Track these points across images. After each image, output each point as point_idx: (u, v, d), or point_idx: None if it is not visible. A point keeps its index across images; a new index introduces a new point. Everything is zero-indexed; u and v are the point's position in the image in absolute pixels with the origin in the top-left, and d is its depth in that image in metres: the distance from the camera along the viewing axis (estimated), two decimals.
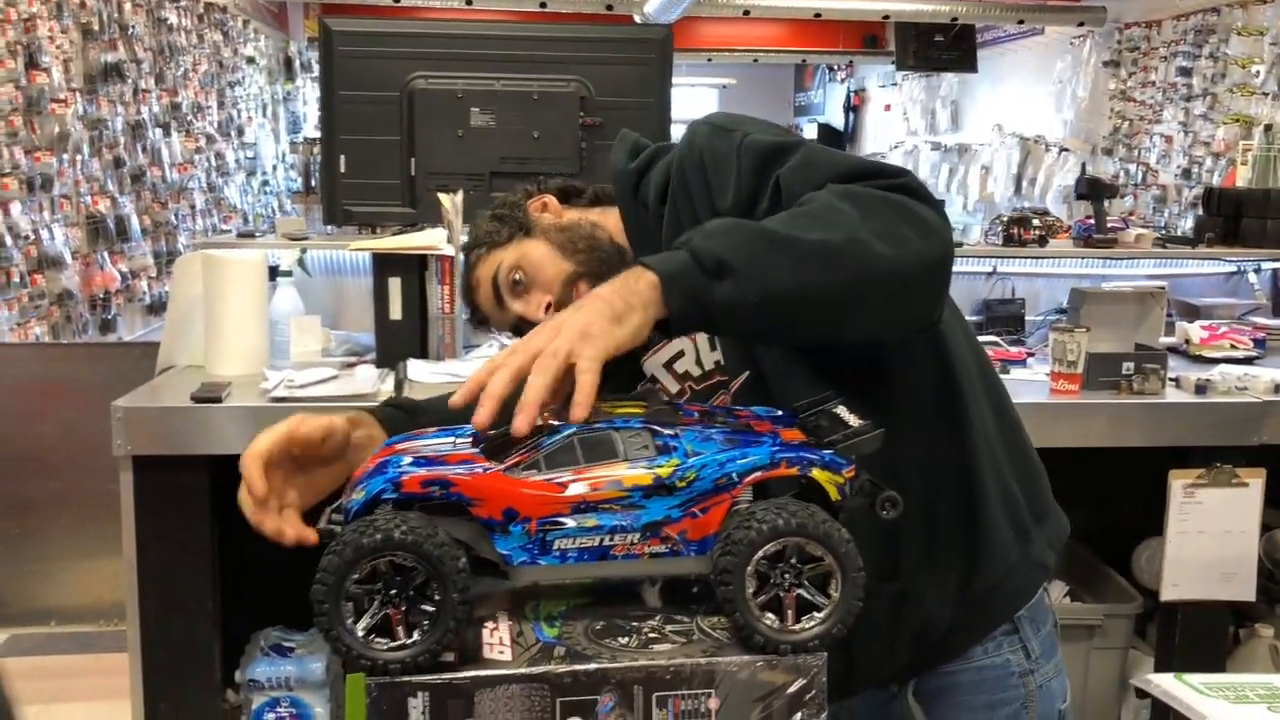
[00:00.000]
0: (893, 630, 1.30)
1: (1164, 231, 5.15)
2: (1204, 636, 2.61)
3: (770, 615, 0.89)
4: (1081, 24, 8.23)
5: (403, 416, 1.33)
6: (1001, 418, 1.38)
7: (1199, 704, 1.13)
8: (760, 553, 0.88)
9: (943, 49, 9.05)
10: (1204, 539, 2.55)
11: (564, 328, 0.97)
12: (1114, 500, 2.91)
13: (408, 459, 0.94)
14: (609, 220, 1.44)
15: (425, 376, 2.44)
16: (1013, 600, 1.35)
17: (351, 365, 2.58)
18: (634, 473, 0.90)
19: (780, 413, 1.04)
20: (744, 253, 1.03)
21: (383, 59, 2.96)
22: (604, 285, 1.03)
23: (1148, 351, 2.60)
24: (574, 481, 0.90)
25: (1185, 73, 7.19)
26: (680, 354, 1.39)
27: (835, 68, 13.04)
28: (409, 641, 0.86)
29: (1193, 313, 3.30)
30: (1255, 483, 2.53)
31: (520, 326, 1.45)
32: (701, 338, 1.37)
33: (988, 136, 9.70)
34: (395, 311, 2.63)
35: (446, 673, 0.86)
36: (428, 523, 0.87)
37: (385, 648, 0.86)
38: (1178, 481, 2.51)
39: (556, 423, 0.93)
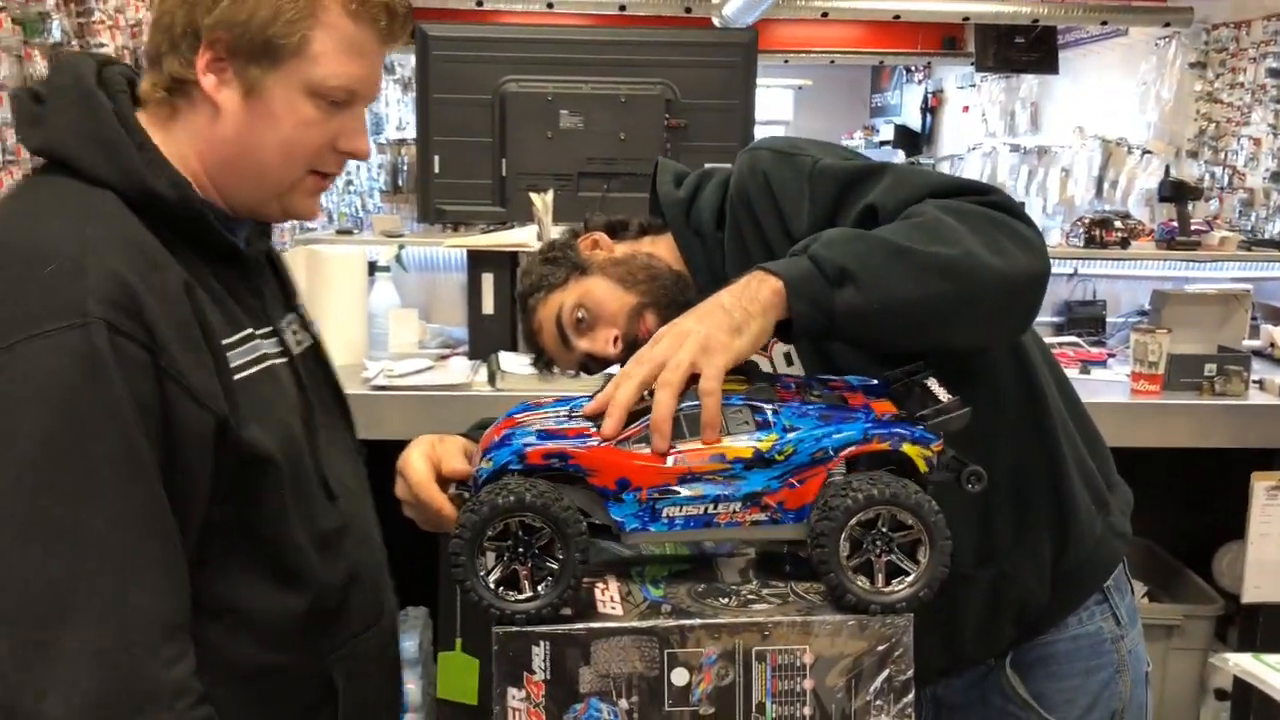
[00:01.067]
0: (993, 611, 1.37)
1: (1250, 234, 5.08)
2: None
3: (862, 578, 0.97)
4: (1167, 24, 8.11)
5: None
6: (1065, 394, 1.45)
7: (1277, 681, 1.17)
8: (855, 519, 0.96)
9: (1023, 50, 8.97)
10: None
11: (687, 340, 1.04)
12: (1196, 503, 2.92)
13: (530, 432, 1.02)
14: (661, 249, 1.45)
15: (516, 368, 2.54)
16: (1101, 570, 1.42)
17: (445, 356, 2.70)
18: (736, 445, 0.98)
19: (874, 383, 1.12)
20: (866, 261, 1.10)
21: (476, 63, 3.07)
22: (723, 293, 1.10)
23: (1230, 353, 2.61)
24: (681, 453, 0.98)
25: (1275, 74, 7.04)
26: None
27: (913, 69, 12.96)
28: (534, 595, 0.95)
29: (1278, 316, 3.28)
30: None
31: (589, 365, 1.46)
32: (777, 353, 1.42)
33: (1068, 139, 9.58)
34: (487, 306, 2.73)
35: (564, 624, 0.95)
36: (554, 489, 0.96)
37: (514, 599, 0.95)
38: (1261, 484, 2.52)
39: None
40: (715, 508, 0.98)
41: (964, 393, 1.26)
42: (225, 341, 1.07)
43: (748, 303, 1.08)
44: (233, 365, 1.07)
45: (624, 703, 0.95)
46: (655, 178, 1.49)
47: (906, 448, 1.00)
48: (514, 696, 0.95)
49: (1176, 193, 3.36)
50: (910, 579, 0.97)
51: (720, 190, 1.40)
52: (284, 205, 1.16)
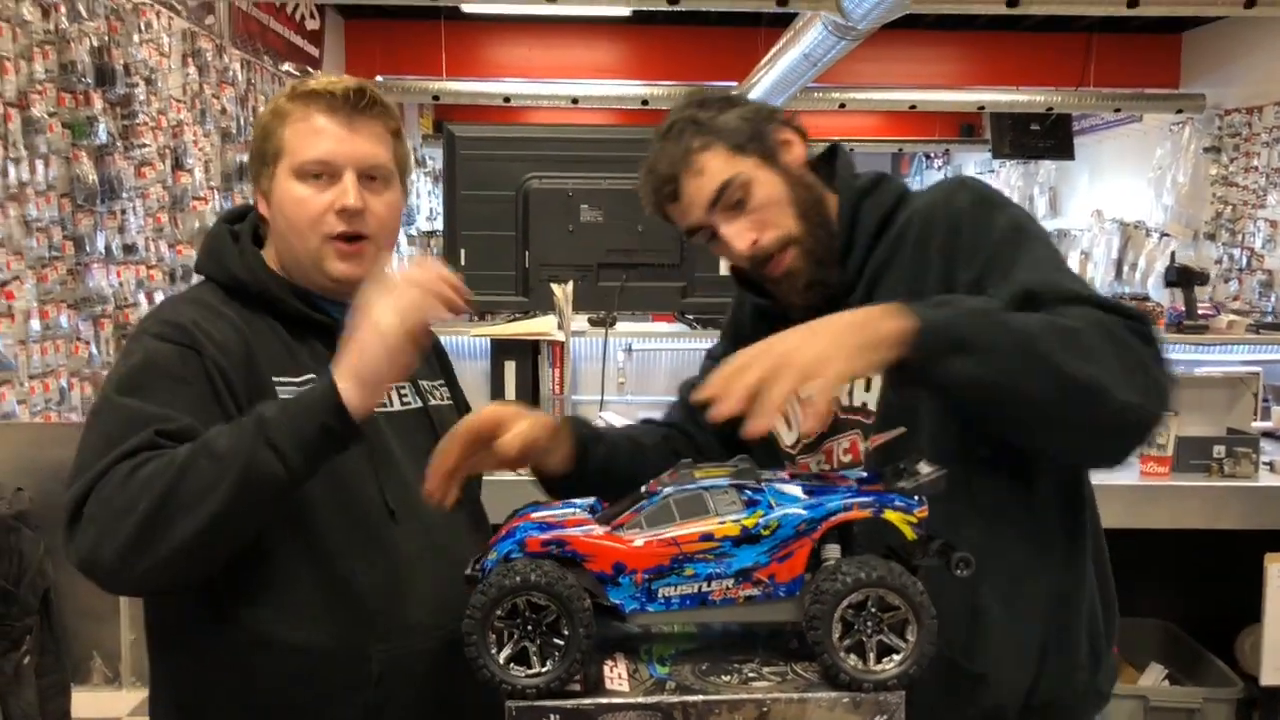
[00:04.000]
0: (962, 710, 1.35)
1: (1270, 316, 5.12)
2: None
3: (854, 657, 1.02)
4: (1179, 111, 8.26)
5: (589, 435, 1.46)
6: (1098, 541, 1.45)
7: None
8: (845, 602, 1.02)
9: (1039, 137, 9.13)
10: None
11: (810, 345, 1.11)
12: (1212, 584, 2.93)
13: (533, 525, 1.10)
14: (830, 204, 1.42)
15: None
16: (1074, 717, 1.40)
17: None
18: (723, 525, 1.05)
19: (865, 474, 1.18)
20: (998, 341, 1.15)
21: (500, 161, 3.20)
22: (855, 314, 1.16)
23: (1239, 435, 2.65)
24: (672, 535, 1.05)
25: None
26: None
27: (931, 155, 13.18)
28: (543, 670, 1.02)
29: None
30: None
31: (695, 232, 1.41)
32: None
33: (1087, 222, 9.69)
34: (510, 392, 2.83)
35: (574, 699, 1.01)
36: (558, 568, 1.02)
37: (523, 674, 1.01)
38: (1275, 565, 2.54)
39: (656, 487, 1.09)
40: (709, 585, 1.05)
41: (1012, 483, 1.32)
42: (278, 378, 1.37)
43: (874, 334, 1.13)
44: (281, 391, 1.36)
45: None
46: (837, 159, 1.46)
47: (889, 514, 1.06)
48: None
49: (1182, 277, 3.44)
50: (900, 657, 1.02)
51: (894, 198, 1.41)
52: (324, 273, 1.44)
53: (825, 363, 1.10)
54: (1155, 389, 1.18)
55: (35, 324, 3.76)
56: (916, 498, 1.07)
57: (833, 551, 1.06)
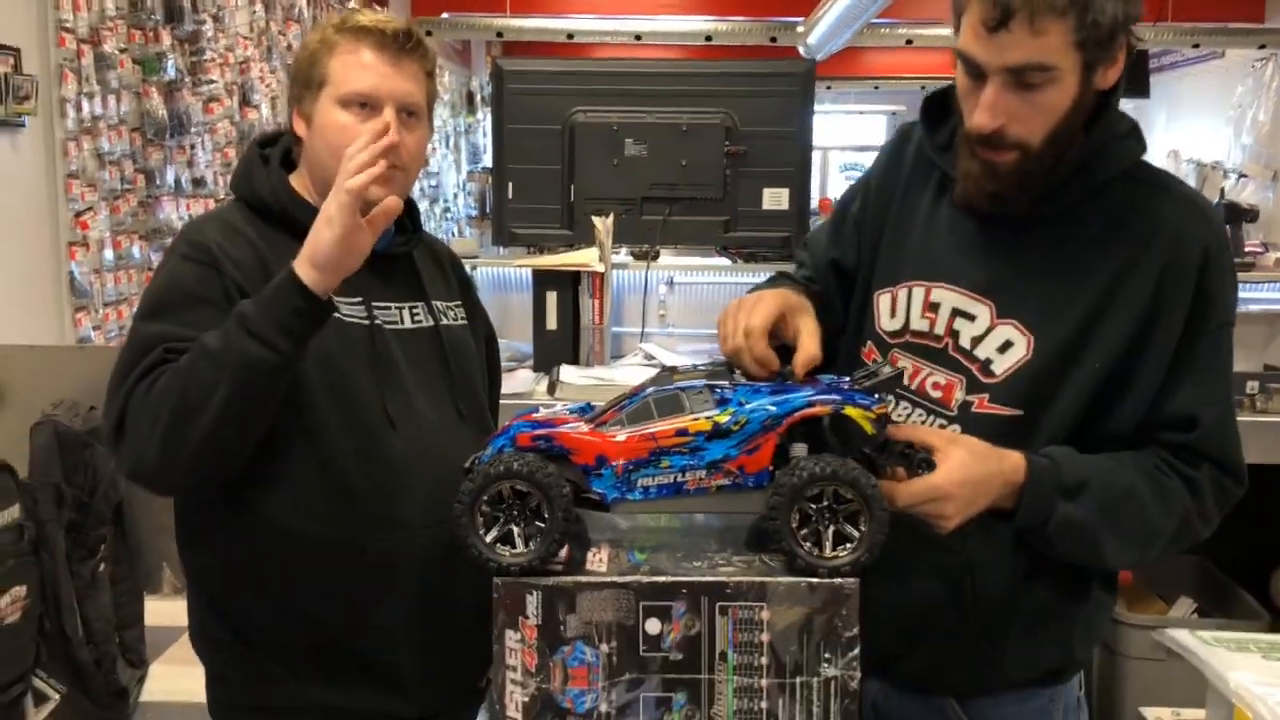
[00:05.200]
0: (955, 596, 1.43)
1: None
2: None
3: (810, 545, 1.11)
4: (1263, 46, 7.98)
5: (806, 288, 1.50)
6: None
7: (1200, 649, 1.27)
8: (803, 494, 1.10)
9: None
10: None
11: (955, 507, 1.25)
12: (1248, 522, 2.93)
13: (525, 424, 1.19)
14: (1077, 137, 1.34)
15: (575, 380, 2.72)
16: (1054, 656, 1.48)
17: (513, 369, 2.89)
18: (696, 421, 1.14)
19: (834, 378, 1.26)
20: (1071, 548, 1.34)
21: (547, 95, 3.27)
22: (995, 475, 1.28)
23: (1274, 372, 2.65)
24: (650, 430, 1.14)
25: None
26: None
27: None
28: (526, 549, 1.12)
29: None
30: None
31: (965, 55, 1.29)
32: None
33: (1163, 162, 9.45)
34: (551, 322, 2.93)
35: (554, 577, 1.11)
36: (539, 459, 1.12)
37: (508, 553, 1.12)
38: None
39: (638, 389, 1.17)
40: (683, 476, 1.14)
41: None
42: None
43: (999, 486, 1.29)
44: None
45: (605, 647, 1.10)
46: (1111, 108, 1.36)
47: (849, 410, 1.15)
48: (511, 638, 1.11)
49: (1230, 215, 3.40)
50: (852, 545, 1.11)
51: (1114, 168, 1.35)
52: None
53: (946, 522, 1.26)
54: (1204, 530, 1.40)
55: (109, 254, 3.94)
56: (875, 395, 1.15)
57: (800, 450, 1.15)
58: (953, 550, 1.36)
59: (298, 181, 1.60)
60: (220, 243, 1.50)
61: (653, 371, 2.75)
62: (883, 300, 1.45)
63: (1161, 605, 3.03)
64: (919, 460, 1.16)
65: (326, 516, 1.50)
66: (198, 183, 4.51)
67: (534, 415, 1.23)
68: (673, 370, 1.19)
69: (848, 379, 1.24)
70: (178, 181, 4.35)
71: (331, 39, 1.54)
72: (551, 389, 2.70)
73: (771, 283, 1.55)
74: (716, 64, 3.39)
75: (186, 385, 1.36)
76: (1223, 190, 5.77)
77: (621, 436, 1.14)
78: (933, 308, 1.40)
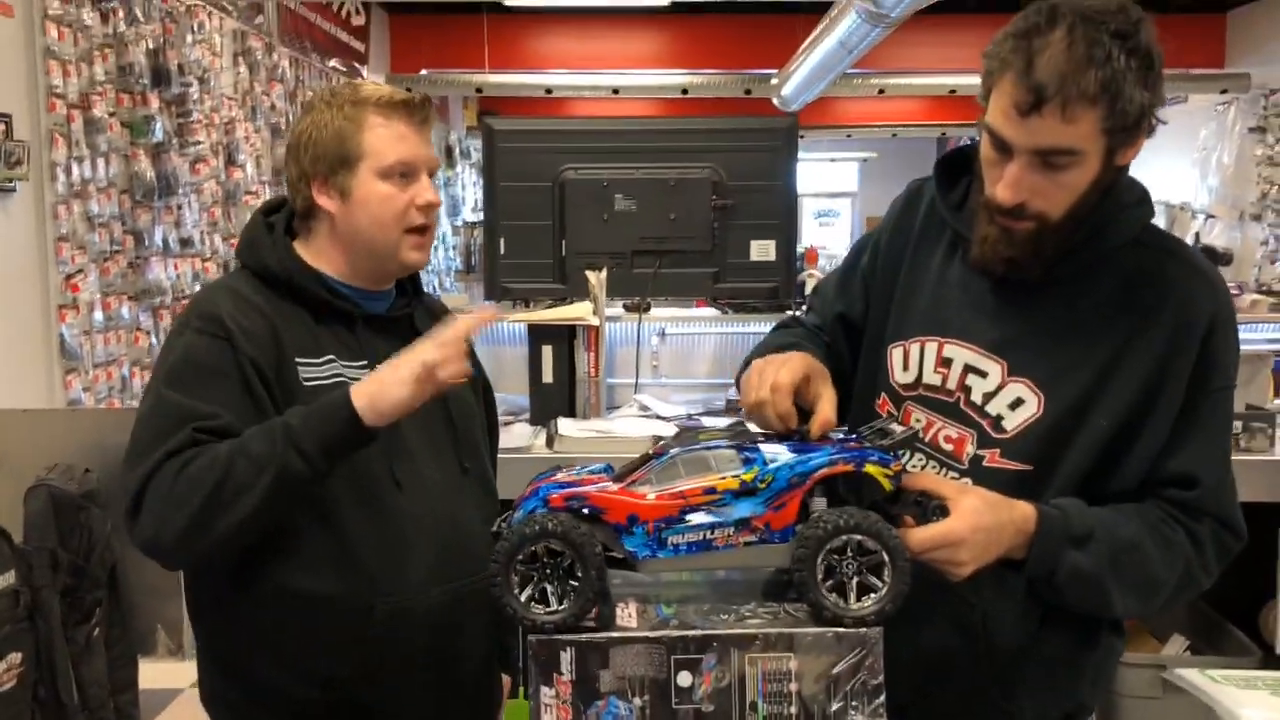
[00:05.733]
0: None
1: None
2: None
3: (836, 596, 1.14)
4: (1224, 91, 8.20)
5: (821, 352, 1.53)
6: None
7: (1210, 688, 1.31)
8: (827, 546, 1.14)
9: None
10: None
11: (970, 553, 1.27)
12: (1238, 561, 2.98)
13: (554, 485, 1.22)
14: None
15: (573, 432, 2.74)
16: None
17: (509, 423, 2.91)
18: (724, 479, 1.17)
19: (845, 434, 1.30)
20: (1082, 598, 1.37)
21: (537, 153, 3.32)
22: (1007, 524, 1.30)
23: (1256, 411, 2.71)
24: (679, 489, 1.18)
25: None
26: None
27: (975, 140, 13.11)
28: (560, 608, 1.15)
29: None
30: None
31: (994, 133, 1.33)
32: None
33: None
34: (547, 375, 2.96)
35: (587, 634, 1.14)
36: (573, 519, 1.15)
37: (542, 612, 1.14)
38: None
39: (663, 449, 1.21)
40: (712, 533, 1.17)
41: None
42: (301, 359, 1.55)
43: (1010, 535, 1.31)
44: (302, 372, 1.54)
45: (638, 700, 1.13)
46: (1122, 178, 1.39)
47: (869, 468, 1.19)
48: (546, 695, 1.13)
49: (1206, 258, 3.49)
50: (877, 595, 1.14)
51: (1125, 235, 1.39)
52: (399, 261, 1.62)
53: (961, 570, 1.28)
54: (1206, 582, 1.42)
55: (99, 315, 3.96)
56: (892, 453, 1.19)
57: (819, 504, 1.18)
58: (966, 600, 1.39)
59: (306, 249, 1.64)
60: (233, 314, 1.53)
61: (649, 423, 2.80)
62: (895, 354, 1.50)
63: (1155, 643, 3.07)
64: (933, 508, 1.20)
65: (335, 578, 1.52)
66: (185, 242, 4.54)
67: (557, 476, 1.27)
68: (697, 430, 1.23)
69: (855, 437, 1.28)
70: (166, 242, 4.38)
71: (358, 115, 1.58)
72: (550, 442, 2.73)
73: (785, 330, 1.61)
74: (703, 120, 3.46)
75: (223, 480, 1.40)
76: (1197, 235, 5.88)
77: (651, 496, 1.18)
78: (945, 363, 1.44)
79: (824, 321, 1.62)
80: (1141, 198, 1.44)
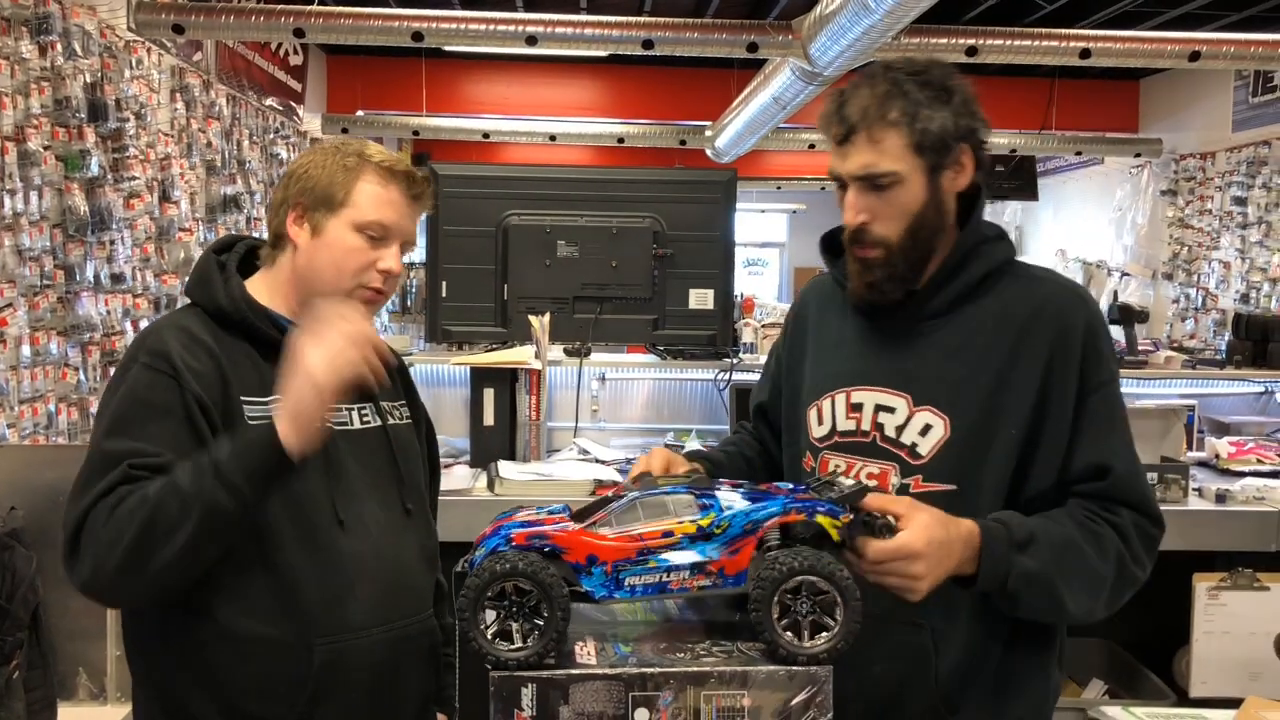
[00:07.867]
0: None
1: (1220, 354, 5.34)
2: None
3: (790, 634, 1.19)
4: (1138, 155, 8.55)
5: (711, 468, 1.68)
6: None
7: None
8: (781, 587, 1.18)
9: (1004, 177, 9.39)
10: (1229, 640, 2.73)
11: (925, 566, 1.33)
12: (1152, 606, 3.09)
13: (515, 524, 1.26)
14: (947, 235, 1.54)
15: (514, 475, 2.76)
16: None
17: (449, 465, 2.92)
18: (681, 524, 1.22)
19: (794, 486, 1.35)
20: (1038, 604, 1.44)
21: (481, 199, 3.37)
22: (956, 541, 1.37)
23: (1171, 463, 2.84)
24: (637, 532, 1.22)
25: (1240, 201, 7.43)
26: None
27: None
28: (524, 645, 1.17)
29: (1224, 430, 3.52)
30: (1277, 587, 2.72)
31: (840, 182, 1.52)
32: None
33: (1051, 261, 9.96)
34: (488, 418, 2.98)
35: (548, 670, 1.17)
36: (541, 559, 1.19)
37: (507, 649, 1.17)
38: (1202, 584, 2.71)
39: (624, 492, 1.25)
40: (668, 576, 1.21)
41: None
42: (247, 398, 1.55)
43: (960, 549, 1.38)
44: (248, 410, 1.54)
45: None
46: (979, 200, 1.57)
47: (820, 518, 1.24)
48: None
49: (1123, 315, 3.65)
50: (829, 634, 1.19)
51: (1005, 259, 1.55)
52: None
53: (918, 584, 1.34)
54: (1143, 574, 1.49)
55: (26, 350, 3.88)
56: (843, 506, 1.25)
57: (773, 546, 1.23)
58: (914, 621, 1.46)
59: (257, 285, 1.65)
60: (181, 353, 1.53)
61: (589, 466, 2.83)
62: (811, 414, 1.63)
63: (1075, 687, 3.16)
64: (880, 526, 1.27)
65: (276, 618, 1.52)
66: (117, 278, 4.48)
67: (518, 515, 1.30)
68: (654, 477, 1.28)
69: (805, 488, 1.34)
70: (97, 277, 4.32)
71: (358, 168, 1.61)
72: (491, 485, 2.74)
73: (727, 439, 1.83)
74: (645, 171, 3.53)
75: (153, 517, 1.41)
76: (1116, 293, 6.11)
77: (611, 537, 1.22)
78: (856, 408, 1.56)
79: (753, 420, 1.83)
80: (1000, 234, 1.58)
